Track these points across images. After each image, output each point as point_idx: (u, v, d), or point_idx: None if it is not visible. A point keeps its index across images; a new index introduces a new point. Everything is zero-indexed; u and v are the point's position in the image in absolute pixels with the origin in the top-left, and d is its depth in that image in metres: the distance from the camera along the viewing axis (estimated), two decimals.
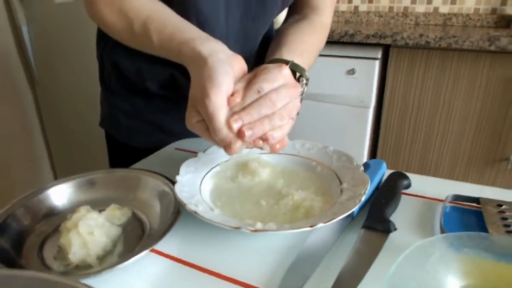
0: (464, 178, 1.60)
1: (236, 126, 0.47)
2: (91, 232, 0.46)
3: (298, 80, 0.60)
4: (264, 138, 0.49)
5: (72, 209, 0.52)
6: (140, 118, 0.83)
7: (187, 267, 0.45)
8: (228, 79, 0.49)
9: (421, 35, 1.47)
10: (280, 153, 0.64)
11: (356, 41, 1.59)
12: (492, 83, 1.46)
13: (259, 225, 0.43)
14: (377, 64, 1.60)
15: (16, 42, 1.83)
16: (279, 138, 0.50)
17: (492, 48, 1.37)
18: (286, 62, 0.58)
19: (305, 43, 0.67)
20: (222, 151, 0.63)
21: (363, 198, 0.48)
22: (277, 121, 0.49)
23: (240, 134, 0.47)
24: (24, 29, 1.99)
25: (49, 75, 2.09)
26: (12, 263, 0.44)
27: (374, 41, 1.55)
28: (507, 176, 1.54)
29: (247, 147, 0.50)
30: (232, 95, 0.49)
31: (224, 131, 0.47)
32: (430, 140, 1.62)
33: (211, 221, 0.44)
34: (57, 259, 0.47)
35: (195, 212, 0.45)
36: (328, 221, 0.43)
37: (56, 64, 2.06)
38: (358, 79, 1.64)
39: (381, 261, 0.43)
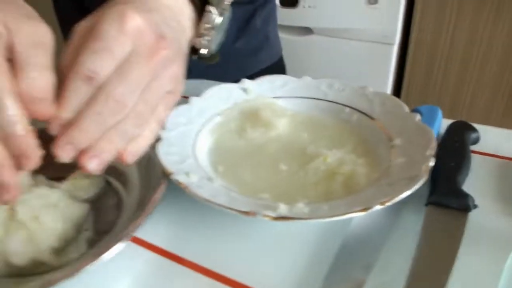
0: (501, 123, 1.46)
1: (67, 155, 0.28)
2: (35, 216, 0.33)
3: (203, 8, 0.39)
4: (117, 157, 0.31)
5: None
6: None
7: (178, 265, 0.32)
8: None
9: None
10: (302, 97, 0.50)
11: None
12: None
13: (282, 209, 0.30)
14: None
15: None
16: (139, 151, 0.32)
17: None
18: None
19: None
20: (223, 94, 0.49)
21: (432, 162, 0.34)
22: (134, 129, 0.30)
23: (82, 163, 0.29)
24: None
25: None
26: None
27: None
28: None
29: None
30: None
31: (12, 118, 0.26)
32: (464, 80, 1.46)
33: (209, 201, 0.30)
34: None
35: (185, 187, 0.32)
36: (388, 200, 0.29)
37: None
38: (381, 11, 1.45)
39: (463, 251, 0.30)
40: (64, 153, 0.28)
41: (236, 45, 0.71)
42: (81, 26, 0.30)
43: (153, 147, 0.40)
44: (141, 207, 0.35)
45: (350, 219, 0.34)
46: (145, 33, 0.29)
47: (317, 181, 0.37)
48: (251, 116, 0.47)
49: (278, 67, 0.82)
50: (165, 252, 0.33)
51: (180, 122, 0.43)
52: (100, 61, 0.27)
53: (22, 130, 0.26)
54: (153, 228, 0.35)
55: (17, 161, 0.27)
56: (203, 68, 0.69)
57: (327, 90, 0.50)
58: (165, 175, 0.35)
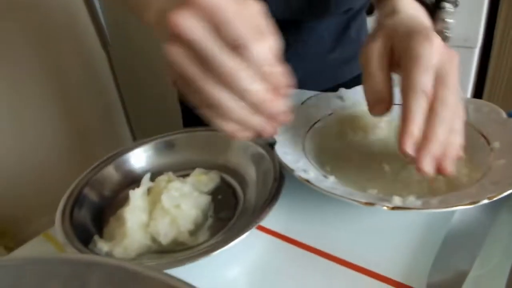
0: None
1: (430, 167, 0.35)
2: (177, 205, 0.41)
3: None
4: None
5: (151, 172, 0.47)
6: None
7: (296, 248, 0.38)
8: None
9: None
10: (396, 104, 0.54)
11: None
12: None
13: (397, 200, 0.35)
14: None
15: (87, 8, 1.78)
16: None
17: None
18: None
19: None
20: (323, 102, 0.54)
21: None
22: (459, 125, 0.38)
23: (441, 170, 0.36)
24: None
25: (121, 35, 2.07)
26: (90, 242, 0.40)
27: None
28: None
29: None
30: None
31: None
32: None
33: (331, 193, 0.35)
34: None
35: (307, 181, 0.37)
36: (495, 196, 0.33)
37: (127, 24, 2.04)
38: (463, 14, 1.42)
39: None
40: (428, 167, 0.35)
41: (332, 55, 0.73)
42: (373, 51, 0.40)
43: (266, 151, 0.47)
44: (262, 200, 0.41)
45: (451, 215, 0.37)
46: (442, 46, 0.37)
47: (421, 179, 0.41)
48: (349, 122, 0.52)
49: None
50: (284, 237, 0.39)
51: (288, 128, 0.49)
52: (428, 76, 0.35)
53: (270, 69, 0.31)
54: (272, 215, 0.41)
55: (274, 93, 0.33)
56: (299, 79, 0.74)
57: None
58: (283, 172, 0.41)
